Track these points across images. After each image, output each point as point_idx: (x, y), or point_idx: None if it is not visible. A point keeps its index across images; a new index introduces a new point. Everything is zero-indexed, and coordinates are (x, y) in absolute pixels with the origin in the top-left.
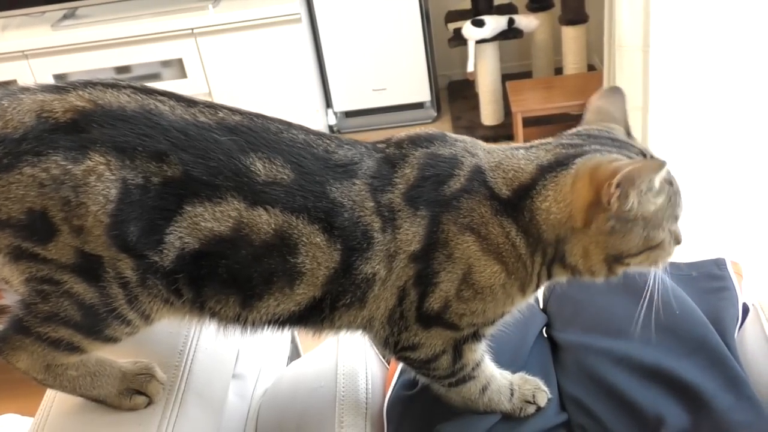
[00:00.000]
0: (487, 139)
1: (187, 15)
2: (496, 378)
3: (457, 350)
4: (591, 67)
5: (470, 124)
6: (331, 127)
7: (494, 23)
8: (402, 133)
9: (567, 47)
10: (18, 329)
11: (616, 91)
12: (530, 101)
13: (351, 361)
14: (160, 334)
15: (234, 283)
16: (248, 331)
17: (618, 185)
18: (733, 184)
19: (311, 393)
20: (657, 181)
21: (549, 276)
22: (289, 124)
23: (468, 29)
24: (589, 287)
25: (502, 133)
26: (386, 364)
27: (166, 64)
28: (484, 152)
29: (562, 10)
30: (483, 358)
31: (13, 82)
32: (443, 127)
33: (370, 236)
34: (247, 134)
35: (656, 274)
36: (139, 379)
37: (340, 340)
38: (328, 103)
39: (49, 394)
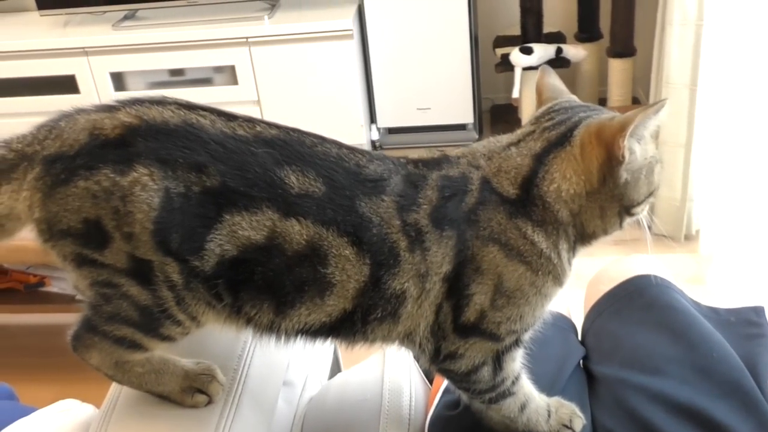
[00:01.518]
0: None
1: (242, 24)
2: (535, 397)
3: (497, 361)
4: (635, 100)
5: None
6: (373, 142)
7: (542, 51)
8: (415, 154)
9: (613, 79)
10: (88, 328)
11: (549, 70)
12: None
13: (396, 376)
14: (221, 338)
15: (268, 289)
16: (281, 340)
17: (630, 136)
18: None
19: (356, 405)
20: (655, 124)
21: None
22: (323, 139)
23: (516, 56)
24: (628, 324)
25: None
26: (429, 383)
27: (218, 69)
28: (485, 160)
29: (610, 42)
30: (521, 374)
31: (72, 77)
32: None
33: (397, 254)
34: (283, 147)
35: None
36: (201, 378)
37: (387, 355)
38: (373, 119)
39: (115, 387)
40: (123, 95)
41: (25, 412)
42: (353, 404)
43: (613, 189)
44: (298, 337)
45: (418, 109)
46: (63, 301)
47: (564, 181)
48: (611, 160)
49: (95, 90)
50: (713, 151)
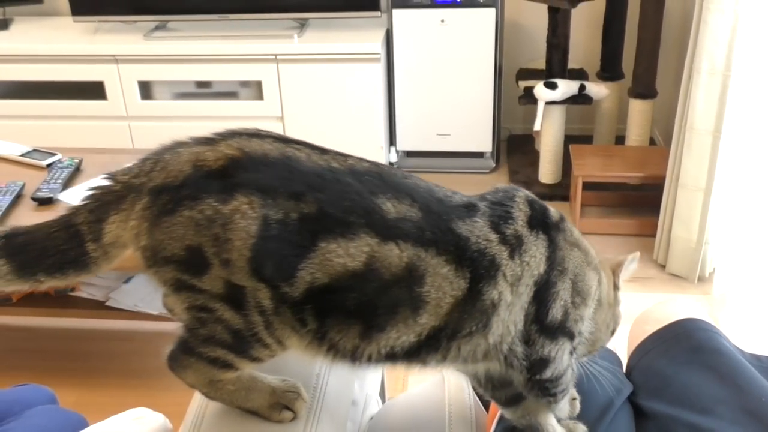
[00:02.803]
0: (542, 197)
1: (272, 41)
2: None
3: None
4: (651, 141)
5: (527, 180)
6: (391, 164)
7: (566, 87)
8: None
9: (632, 119)
10: (184, 350)
11: None
12: (591, 167)
13: (458, 399)
14: (301, 357)
15: (358, 314)
16: (361, 365)
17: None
18: None
19: (420, 426)
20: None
21: None
22: (409, 174)
23: (540, 90)
24: (676, 364)
25: (558, 192)
26: (485, 409)
27: (244, 84)
28: None
29: (633, 83)
30: None
31: (101, 84)
32: (500, 180)
33: (498, 263)
34: (376, 178)
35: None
36: (287, 396)
37: (446, 378)
38: (392, 141)
39: (199, 400)
40: (150, 104)
41: (68, 416)
42: (416, 425)
43: None
44: (379, 361)
45: (438, 134)
46: (91, 307)
47: None
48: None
49: (122, 97)
50: (732, 196)
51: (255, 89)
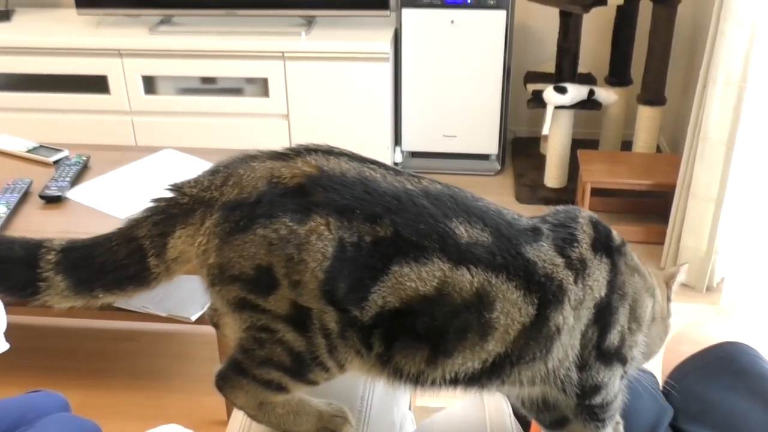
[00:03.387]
0: (548, 202)
1: (279, 38)
2: None
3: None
4: (658, 148)
5: (532, 183)
6: (396, 164)
7: (575, 92)
8: (546, 211)
9: (640, 126)
10: (237, 371)
11: None
12: (599, 173)
13: (499, 421)
14: (345, 378)
15: (426, 339)
16: (422, 389)
17: None
18: None
19: None
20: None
21: None
22: (479, 196)
23: (550, 94)
24: (718, 388)
25: (563, 197)
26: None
27: (250, 81)
28: None
29: (642, 89)
30: None
31: (104, 78)
32: (505, 182)
33: (565, 288)
34: (449, 201)
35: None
36: (335, 420)
37: (485, 398)
38: (397, 141)
39: (242, 422)
40: (155, 99)
41: (83, 425)
42: None
43: None
44: (442, 386)
45: (444, 135)
46: (98, 307)
47: None
48: None
49: (125, 92)
50: (742, 206)
51: (261, 86)
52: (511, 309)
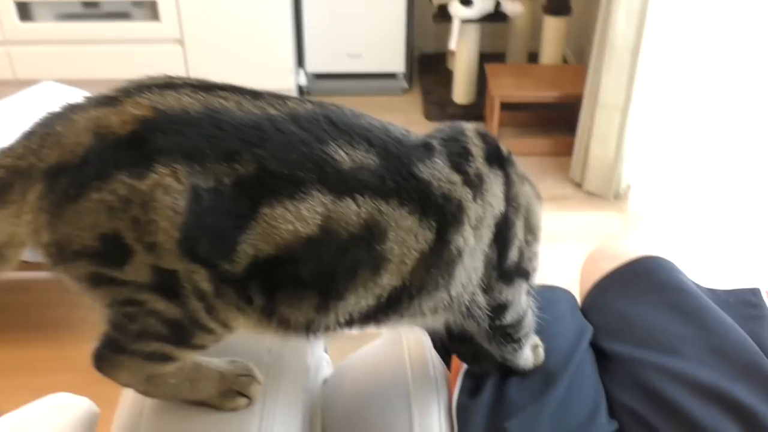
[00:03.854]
0: (458, 118)
1: None
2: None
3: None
4: (564, 59)
5: (440, 100)
6: (301, 88)
7: (482, 4)
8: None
9: (547, 37)
10: (113, 349)
11: None
12: (508, 87)
13: (418, 355)
14: (250, 335)
15: (313, 284)
16: (313, 337)
17: None
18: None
19: (381, 384)
20: None
21: None
22: (360, 112)
23: (456, 8)
24: (638, 304)
25: (472, 113)
26: (446, 366)
27: (137, 4)
28: None
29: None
30: None
31: None
32: (413, 101)
33: (464, 207)
34: (324, 122)
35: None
36: (240, 381)
37: (403, 334)
38: (301, 63)
39: (133, 394)
40: (32, 27)
41: None
42: (377, 387)
43: None
44: (336, 330)
45: (348, 54)
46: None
47: None
48: None
49: None
50: (648, 113)
51: (149, 9)
52: (406, 237)
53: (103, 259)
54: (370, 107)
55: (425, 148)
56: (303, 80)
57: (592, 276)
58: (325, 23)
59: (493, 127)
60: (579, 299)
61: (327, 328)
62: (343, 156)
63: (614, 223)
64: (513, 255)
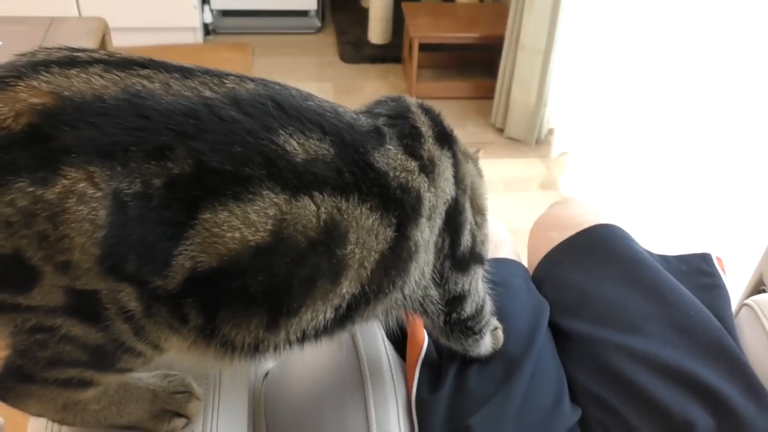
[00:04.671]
0: (375, 59)
1: None
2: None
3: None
4: None
5: (356, 41)
6: (206, 26)
7: None
8: (370, 103)
9: None
10: (19, 378)
11: None
12: (426, 27)
13: (372, 347)
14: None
15: (264, 300)
16: (259, 359)
17: None
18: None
19: (329, 374)
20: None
21: None
22: (307, 94)
23: None
24: (594, 277)
25: (389, 54)
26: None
27: None
28: None
29: None
30: None
31: None
32: (327, 41)
33: (422, 197)
34: (271, 106)
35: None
36: (175, 399)
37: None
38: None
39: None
40: None
41: None
42: (326, 378)
43: None
44: (285, 349)
45: None
46: None
47: None
48: None
49: None
50: (571, 56)
51: None
52: (367, 238)
53: (1, 284)
54: (283, 46)
55: (377, 132)
56: (209, 17)
57: (541, 246)
58: None
59: (412, 69)
60: (529, 270)
61: (276, 348)
62: (295, 146)
63: (537, 170)
64: (466, 241)
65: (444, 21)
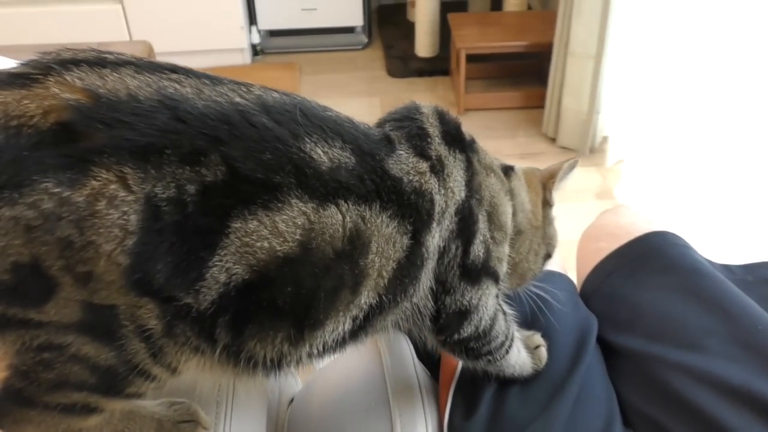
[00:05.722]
0: (422, 73)
1: None
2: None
3: (501, 305)
4: (529, 6)
5: (403, 55)
6: (254, 46)
7: None
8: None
9: None
10: (18, 402)
11: None
12: (473, 37)
13: (400, 364)
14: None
15: (290, 313)
16: (279, 374)
17: None
18: (681, 140)
19: (354, 397)
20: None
21: None
22: (325, 106)
23: None
24: (647, 289)
25: (438, 66)
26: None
27: None
28: None
29: None
30: None
31: None
32: (374, 56)
33: (434, 200)
34: (295, 115)
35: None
36: (182, 429)
37: (380, 343)
38: (252, 20)
39: None
40: None
41: None
42: (351, 402)
43: None
44: (306, 364)
45: (302, 9)
46: None
47: None
48: None
49: None
50: (622, 62)
51: None
52: (386, 246)
53: (13, 296)
54: (330, 63)
55: (387, 140)
56: (256, 38)
57: (589, 258)
58: None
59: (460, 81)
60: (577, 285)
61: (298, 362)
62: (321, 154)
63: (592, 179)
64: (478, 250)
65: (491, 30)
